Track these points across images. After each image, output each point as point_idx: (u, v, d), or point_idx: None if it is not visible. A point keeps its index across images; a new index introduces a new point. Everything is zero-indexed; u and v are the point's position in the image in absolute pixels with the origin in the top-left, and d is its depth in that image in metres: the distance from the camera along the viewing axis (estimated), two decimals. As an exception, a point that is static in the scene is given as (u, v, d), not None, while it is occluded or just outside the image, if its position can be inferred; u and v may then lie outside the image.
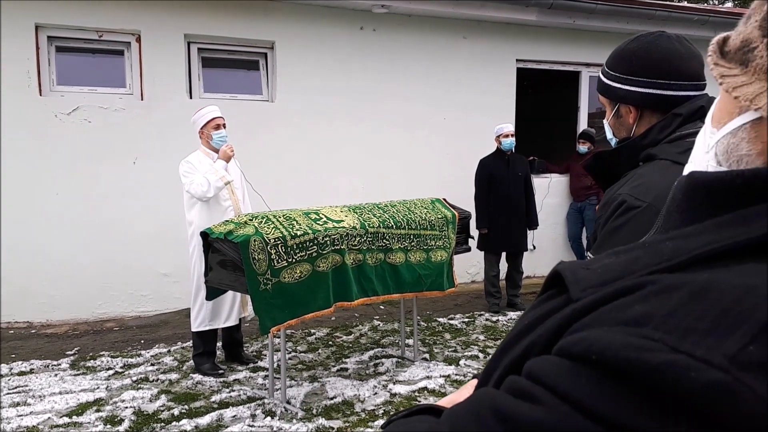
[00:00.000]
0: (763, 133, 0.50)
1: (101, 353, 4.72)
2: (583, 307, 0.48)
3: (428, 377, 4.18)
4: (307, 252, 3.54)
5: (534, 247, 6.85)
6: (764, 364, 0.37)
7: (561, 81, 8.24)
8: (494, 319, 5.72)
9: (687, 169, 0.62)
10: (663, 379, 0.37)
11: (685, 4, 7.22)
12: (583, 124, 7.75)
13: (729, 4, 16.84)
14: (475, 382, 0.83)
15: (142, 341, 5.06)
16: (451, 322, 5.61)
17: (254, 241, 3.37)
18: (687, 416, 0.37)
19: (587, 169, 1.42)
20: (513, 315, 5.83)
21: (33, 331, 5.27)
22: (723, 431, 0.36)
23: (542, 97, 9.87)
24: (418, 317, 5.17)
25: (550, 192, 7.30)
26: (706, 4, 15.57)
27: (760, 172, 0.49)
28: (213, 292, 3.86)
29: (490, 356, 0.64)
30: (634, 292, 0.45)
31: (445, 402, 0.75)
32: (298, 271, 3.51)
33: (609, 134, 1.42)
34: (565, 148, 8.30)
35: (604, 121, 1.43)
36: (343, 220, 3.80)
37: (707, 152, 0.57)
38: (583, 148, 7.27)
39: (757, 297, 0.40)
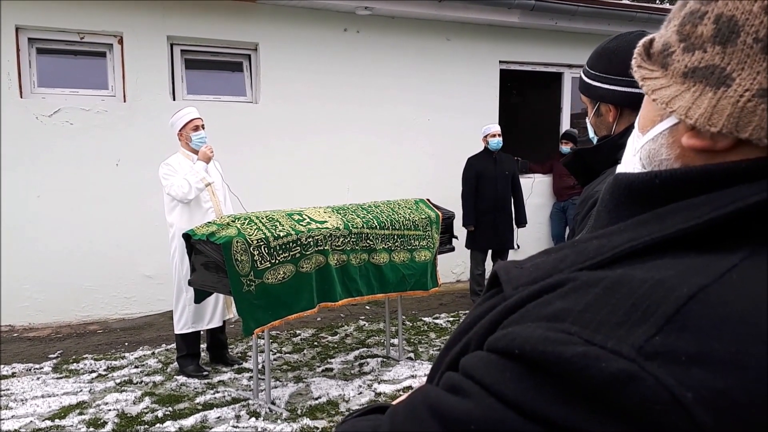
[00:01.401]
0: (679, 138, 0.52)
1: (84, 356, 4.69)
2: (513, 304, 0.50)
3: (413, 376, 4.20)
4: (291, 253, 3.55)
5: (518, 246, 6.90)
6: (668, 353, 0.39)
7: (543, 82, 8.31)
8: (479, 318, 5.75)
9: (617, 171, 0.64)
10: (575, 369, 0.40)
11: (666, 6, 7.29)
12: (565, 125, 7.82)
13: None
14: None
15: (126, 343, 5.03)
16: (436, 321, 5.64)
17: (237, 242, 3.37)
18: (598, 405, 0.39)
19: (566, 166, 1.43)
20: (497, 314, 5.87)
21: (15, 335, 5.22)
22: (631, 419, 0.38)
23: (525, 98, 9.94)
24: (404, 317, 5.20)
25: (534, 192, 7.36)
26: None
27: (675, 173, 0.51)
28: (200, 295, 3.85)
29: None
30: (557, 289, 0.47)
31: (399, 399, 0.77)
32: (281, 272, 3.52)
33: (591, 133, 1.44)
34: (548, 148, 8.37)
35: (586, 119, 1.45)
36: (326, 221, 3.82)
37: (634, 155, 0.60)
38: (565, 148, 7.33)
39: (665, 290, 0.42)
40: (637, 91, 1.26)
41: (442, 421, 0.45)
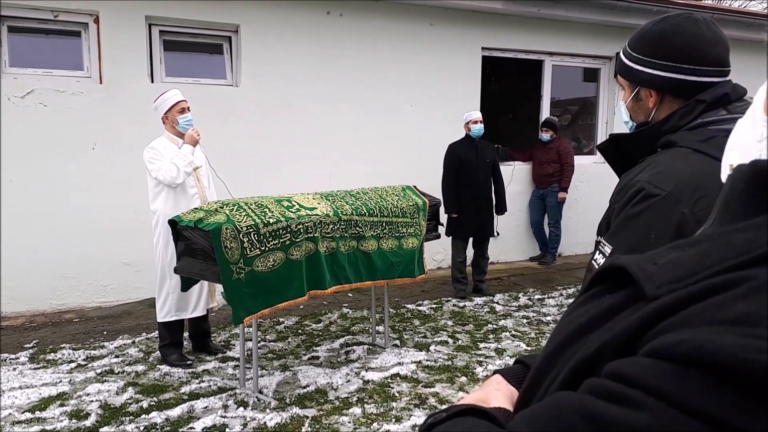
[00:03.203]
0: None
1: (62, 346, 4.56)
2: (668, 305, 0.46)
3: (400, 363, 4.19)
4: (281, 240, 3.49)
5: (498, 234, 6.93)
6: None
7: (523, 70, 8.32)
8: (461, 304, 5.78)
9: (731, 159, 0.61)
10: None
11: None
12: (545, 113, 7.86)
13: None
14: (499, 377, 0.80)
15: (105, 332, 4.91)
16: (420, 308, 5.64)
17: (226, 229, 3.30)
18: None
19: (601, 152, 1.38)
20: (479, 300, 5.90)
21: (-13, 324, 5.05)
22: None
23: (505, 85, 9.96)
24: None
25: (513, 179, 7.39)
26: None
27: None
28: (187, 283, 3.76)
29: (539, 354, 0.62)
30: (730, 289, 0.43)
31: (472, 400, 0.72)
32: (271, 260, 3.45)
33: (625, 117, 1.39)
34: (528, 136, 8.41)
35: (620, 102, 1.39)
36: (315, 208, 3.76)
37: (760, 141, 0.56)
38: (545, 136, 7.38)
39: None
40: (682, 77, 1.22)
41: None
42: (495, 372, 0.81)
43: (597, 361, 0.48)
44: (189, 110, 4.16)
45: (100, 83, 5.49)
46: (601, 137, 8.30)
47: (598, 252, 1.15)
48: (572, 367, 0.51)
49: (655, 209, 1.08)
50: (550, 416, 0.46)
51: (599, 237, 1.19)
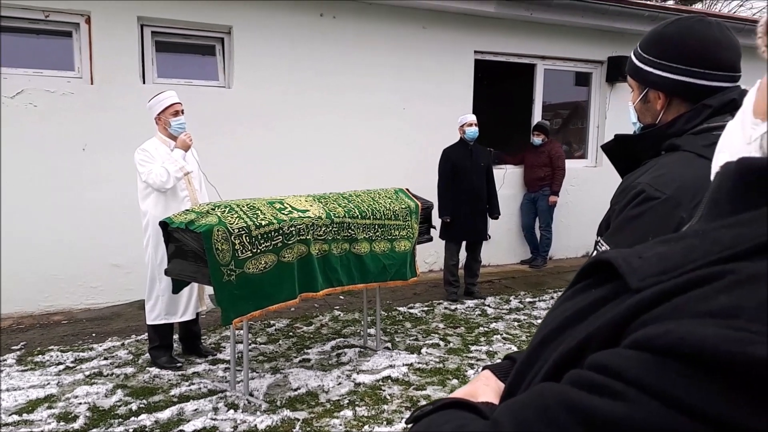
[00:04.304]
0: None
1: (50, 348, 4.52)
2: (650, 297, 0.46)
3: (391, 366, 4.18)
4: (272, 242, 3.48)
5: (490, 237, 6.94)
6: None
7: (515, 73, 8.35)
8: (453, 307, 5.78)
9: (721, 161, 0.61)
10: None
11: (637, 0, 7.40)
12: (537, 116, 7.89)
13: (671, 2, 17.42)
14: (488, 373, 0.81)
15: (94, 334, 4.87)
16: (411, 311, 5.64)
17: (218, 230, 3.28)
18: None
19: (606, 152, 1.37)
20: (470, 303, 5.91)
21: (-26, 326, 5.00)
22: None
23: (496, 89, 9.98)
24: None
25: (505, 183, 7.41)
26: (655, 1, 16.07)
27: None
28: (178, 285, 3.74)
29: (525, 348, 0.62)
30: (711, 282, 0.44)
31: (461, 394, 0.73)
32: (262, 262, 3.44)
33: (633, 118, 1.38)
34: (520, 139, 8.43)
35: (629, 103, 1.38)
36: (308, 210, 3.75)
37: (749, 144, 0.56)
38: (537, 140, 7.41)
39: None
40: (691, 80, 1.21)
41: (589, 425, 0.41)
42: (484, 368, 0.82)
43: (581, 353, 0.48)
44: (183, 113, 4.14)
45: (91, 84, 5.46)
46: (593, 141, 8.34)
47: (596, 252, 1.16)
48: (556, 359, 0.51)
49: (654, 212, 1.09)
50: (532, 406, 0.46)
51: (599, 237, 1.19)
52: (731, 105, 1.19)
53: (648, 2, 7.41)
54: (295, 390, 3.79)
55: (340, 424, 3.34)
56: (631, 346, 0.43)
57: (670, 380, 0.39)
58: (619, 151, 1.35)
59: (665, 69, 1.24)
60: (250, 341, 4.66)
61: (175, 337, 4.38)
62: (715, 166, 0.64)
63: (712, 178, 0.62)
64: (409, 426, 0.65)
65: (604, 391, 0.42)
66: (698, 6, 17.06)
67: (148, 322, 4.16)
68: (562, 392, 0.45)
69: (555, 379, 0.49)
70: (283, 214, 3.60)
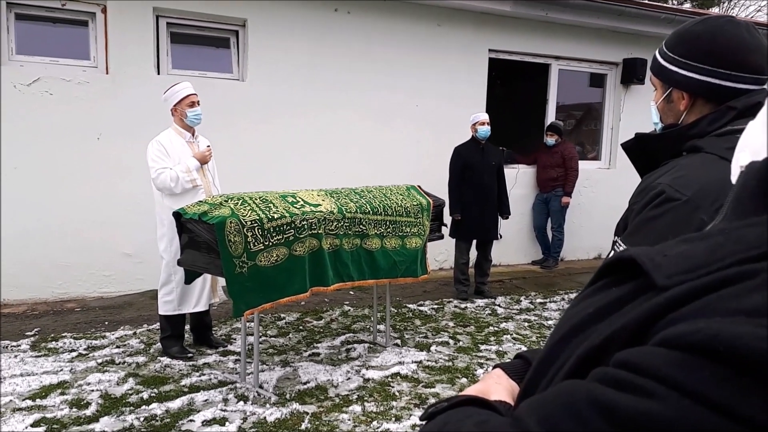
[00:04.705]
0: None
1: (63, 334, 4.56)
2: (678, 295, 0.45)
3: (400, 363, 4.18)
4: (284, 235, 3.49)
5: (501, 236, 6.93)
6: None
7: (529, 73, 8.32)
8: (462, 306, 5.77)
9: (742, 159, 0.60)
10: None
11: (654, 2, 7.35)
12: (551, 117, 7.85)
13: (688, 5, 17.29)
14: (499, 371, 0.80)
15: (106, 323, 4.91)
16: (421, 308, 5.64)
17: (230, 222, 3.29)
18: None
19: (626, 151, 1.35)
20: (480, 302, 5.90)
21: (-12, 311, 5.05)
22: None
23: (510, 88, 9.95)
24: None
25: (517, 183, 7.38)
26: (673, 2, 15.95)
27: None
28: (191, 275, 3.76)
29: (542, 346, 0.61)
30: (744, 281, 0.43)
31: (473, 392, 0.72)
32: (274, 255, 3.45)
33: (655, 117, 1.35)
34: (533, 139, 8.40)
35: (651, 102, 1.36)
36: (320, 204, 3.76)
37: None
38: (550, 140, 7.37)
39: None
40: (716, 81, 1.19)
41: (617, 422, 0.40)
42: (495, 366, 0.82)
43: (605, 352, 0.48)
44: (199, 104, 4.15)
45: (107, 73, 5.49)
46: (606, 143, 8.30)
47: (613, 252, 1.15)
48: (579, 356, 0.50)
49: (674, 214, 1.07)
50: (558, 404, 0.46)
51: (616, 237, 1.18)
52: (756, 108, 1.17)
53: (665, 4, 7.34)
54: (305, 383, 3.80)
55: (349, 419, 3.35)
56: (661, 344, 0.43)
57: (701, 378, 0.39)
58: (639, 149, 1.32)
59: (691, 69, 1.22)
60: (260, 334, 4.68)
61: (187, 327, 4.40)
62: (736, 165, 0.63)
63: (732, 178, 0.61)
64: (423, 422, 0.64)
65: (632, 388, 0.41)
66: (715, 10, 16.90)
67: (161, 313, 4.18)
68: (589, 389, 0.44)
69: (578, 377, 0.48)
70: (296, 207, 3.61)
